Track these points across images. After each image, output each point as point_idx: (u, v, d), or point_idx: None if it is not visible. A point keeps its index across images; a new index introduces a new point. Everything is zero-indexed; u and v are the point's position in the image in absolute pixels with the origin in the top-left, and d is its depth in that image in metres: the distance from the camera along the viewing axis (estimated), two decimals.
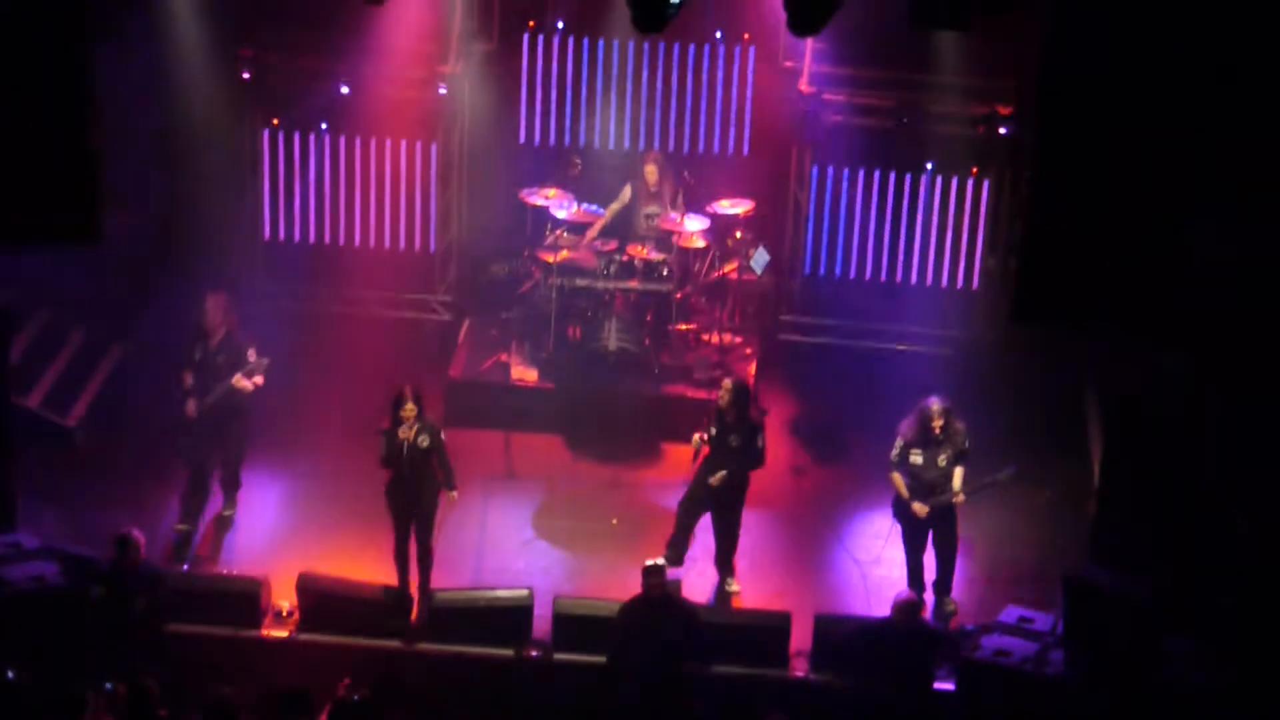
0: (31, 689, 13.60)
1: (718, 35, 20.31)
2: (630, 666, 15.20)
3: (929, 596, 16.55)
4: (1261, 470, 15.88)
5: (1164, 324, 14.98)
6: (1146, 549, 16.63)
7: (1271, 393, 15.48)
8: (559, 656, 15.95)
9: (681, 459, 17.16)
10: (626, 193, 19.84)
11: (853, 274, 20.33)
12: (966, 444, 16.50)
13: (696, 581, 16.90)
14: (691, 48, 20.44)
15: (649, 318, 19.36)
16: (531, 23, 20.48)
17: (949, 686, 15.59)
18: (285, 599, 16.20)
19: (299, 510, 17.80)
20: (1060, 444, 18.85)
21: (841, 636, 15.76)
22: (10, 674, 13.65)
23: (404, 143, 20.18)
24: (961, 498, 16.45)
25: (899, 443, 16.49)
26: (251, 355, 16.92)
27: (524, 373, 19.33)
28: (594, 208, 19.70)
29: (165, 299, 18.84)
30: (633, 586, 15.22)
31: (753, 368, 19.73)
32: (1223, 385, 16.24)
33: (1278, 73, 14.08)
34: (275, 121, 20.11)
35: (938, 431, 16.36)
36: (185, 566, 16.79)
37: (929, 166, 19.82)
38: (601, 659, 15.42)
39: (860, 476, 18.27)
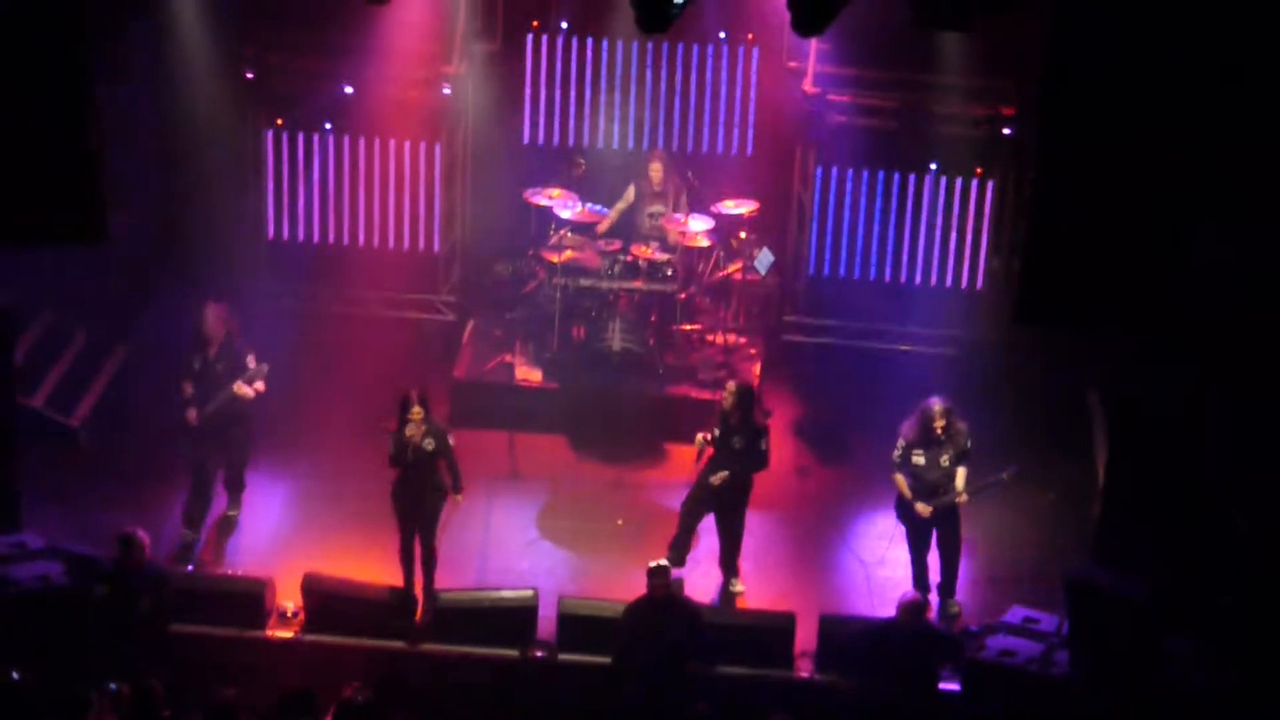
0: (35, 689, 13.60)
1: (721, 36, 20.30)
2: (635, 667, 15.20)
3: (933, 598, 16.56)
4: (1262, 470, 15.89)
5: (1166, 324, 14.97)
6: (1148, 549, 16.62)
7: (1272, 393, 15.51)
8: (564, 657, 15.94)
9: (685, 460, 17.16)
10: (630, 193, 19.86)
11: (857, 274, 20.32)
12: (969, 444, 16.50)
13: (701, 582, 16.88)
14: (695, 48, 20.44)
15: (653, 318, 19.37)
16: (535, 23, 20.47)
17: (954, 687, 15.59)
18: (290, 600, 16.20)
19: (303, 511, 17.79)
20: (1063, 444, 18.83)
21: (846, 637, 15.76)
22: (15, 674, 13.65)
23: (407, 143, 20.18)
24: (964, 498, 16.45)
25: (901, 443, 16.49)
26: (251, 361, 16.90)
27: (528, 373, 19.33)
28: (598, 208, 19.72)
29: (168, 299, 18.84)
30: (637, 587, 15.21)
31: (757, 368, 19.73)
32: (1224, 385, 16.26)
33: (1278, 73, 14.12)
34: (279, 121, 20.10)
35: (940, 432, 16.35)
36: (189, 568, 16.79)
37: (933, 167, 19.81)
38: (606, 660, 15.42)
39: (864, 477, 18.25)
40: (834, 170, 20.05)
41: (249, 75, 19.68)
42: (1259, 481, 15.90)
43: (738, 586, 16.95)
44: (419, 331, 20.31)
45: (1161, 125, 14.02)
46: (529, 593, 16.13)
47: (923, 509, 16.39)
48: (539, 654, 15.96)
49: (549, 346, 19.39)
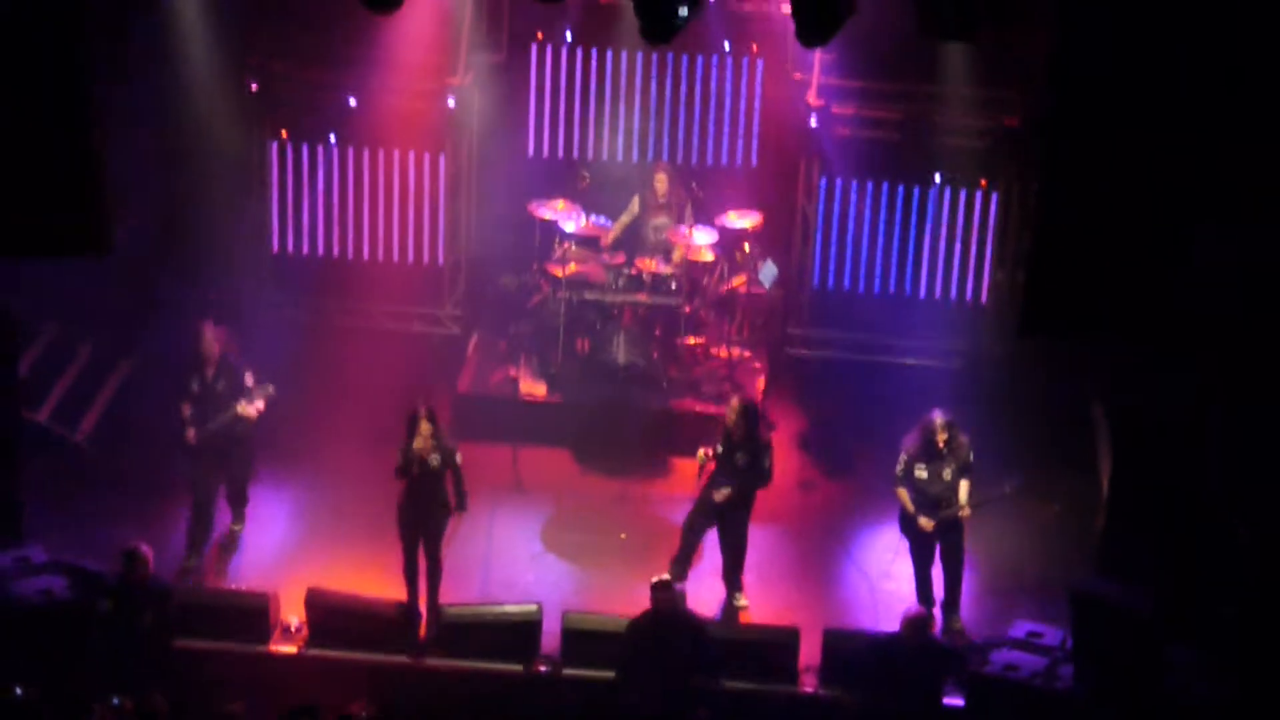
0: (38, 704, 13.60)
1: (726, 47, 20.31)
2: (639, 682, 15.17)
3: (937, 614, 16.52)
4: (1264, 480, 15.89)
5: (1169, 334, 14.98)
6: (1152, 561, 16.63)
7: (1274, 402, 15.51)
8: (568, 671, 15.90)
9: (689, 474, 17.12)
10: (635, 205, 19.86)
11: (861, 287, 20.32)
12: (971, 457, 16.47)
13: (705, 596, 16.85)
14: (700, 59, 20.45)
15: (657, 331, 19.37)
16: (540, 34, 20.48)
17: (958, 702, 15.54)
18: (294, 614, 16.17)
19: (307, 525, 17.78)
20: (1067, 457, 18.80)
21: (850, 652, 15.71)
22: (18, 689, 13.65)
23: (412, 155, 20.20)
24: (967, 512, 16.42)
25: (903, 457, 16.46)
26: (249, 380, 16.87)
27: (532, 387, 19.31)
28: (602, 220, 19.72)
29: (173, 311, 18.78)
30: (641, 601, 15.19)
31: (761, 382, 19.73)
32: (1226, 396, 16.26)
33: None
34: (283, 133, 20.12)
35: (942, 445, 16.33)
36: (192, 583, 16.77)
37: (937, 179, 19.82)
38: (610, 674, 15.39)
39: (868, 490, 18.21)
40: (838, 182, 20.07)
41: (253, 86, 19.69)
42: (1261, 492, 15.90)
43: (741, 601, 16.92)
44: (424, 345, 20.31)
45: (1166, 134, 14.02)
46: (533, 607, 16.10)
47: (925, 523, 16.37)
48: (543, 668, 15.93)
49: (553, 360, 19.39)
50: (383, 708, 13.67)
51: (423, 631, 16.17)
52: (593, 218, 19.63)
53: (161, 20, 18.79)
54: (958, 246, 20.07)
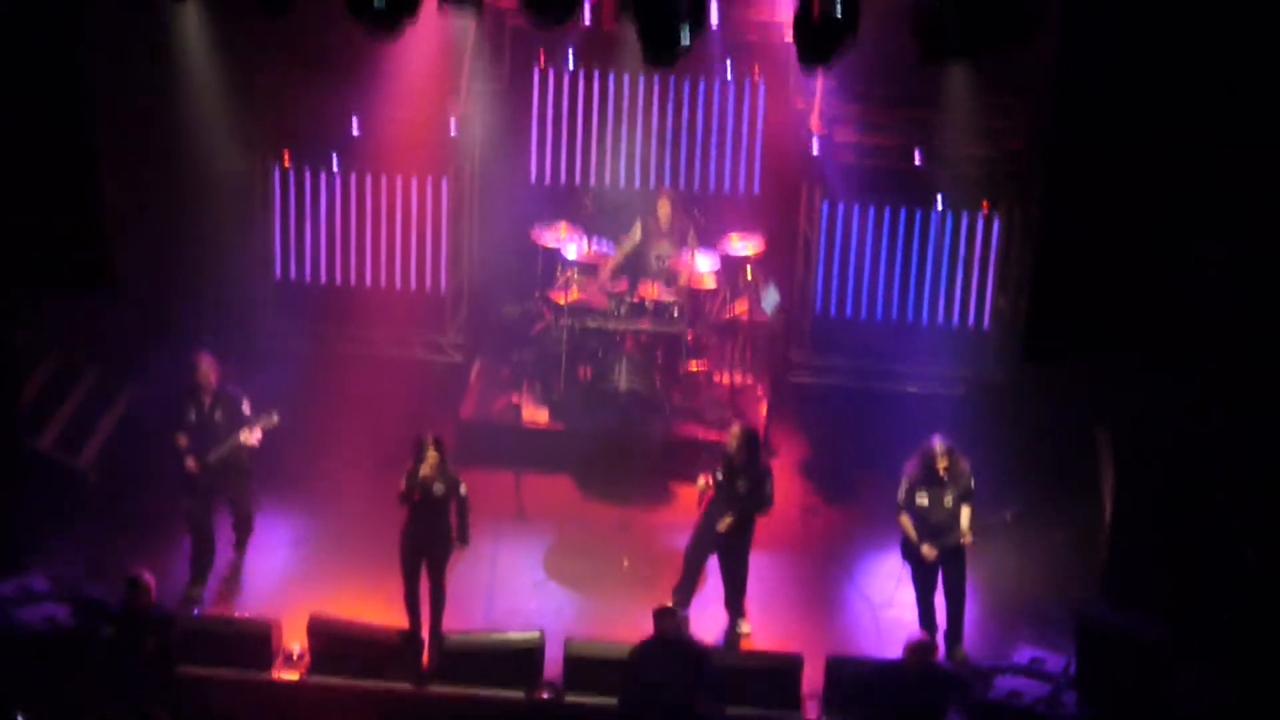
0: None
1: (728, 73, 20.32)
2: (642, 709, 15.15)
3: (940, 640, 16.47)
4: (1270, 502, 15.90)
5: (1174, 355, 15.00)
6: (1158, 585, 16.63)
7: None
8: (570, 698, 15.90)
9: (692, 500, 17.08)
10: (637, 231, 19.85)
11: (864, 313, 20.31)
12: (973, 484, 16.44)
13: (708, 623, 16.82)
14: (702, 85, 20.46)
15: (659, 358, 19.35)
16: (542, 60, 20.50)
17: None
18: (296, 641, 16.17)
19: (310, 551, 17.76)
20: (1072, 483, 18.79)
21: (853, 678, 15.70)
22: (20, 717, 13.65)
23: (414, 181, 20.19)
24: (969, 538, 16.39)
25: (905, 484, 16.44)
26: (246, 408, 16.86)
27: (535, 414, 19.31)
28: (605, 246, 19.73)
29: (176, 339, 18.77)
30: (644, 628, 15.16)
31: (763, 408, 19.72)
32: (1231, 416, 16.28)
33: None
34: (286, 159, 20.14)
35: (943, 472, 16.31)
36: (196, 612, 16.75)
37: (939, 204, 19.82)
38: (613, 701, 15.37)
39: (871, 517, 18.16)
40: (840, 207, 20.05)
41: (257, 113, 19.72)
42: (1267, 513, 15.91)
43: (744, 628, 16.90)
44: (427, 372, 20.31)
45: (1167, 155, 14.07)
46: (535, 634, 16.10)
47: (928, 552, 16.34)
48: (545, 695, 15.92)
49: (556, 387, 19.38)
50: None
51: (425, 659, 16.14)
52: (595, 244, 19.64)
53: (165, 48, 18.82)
54: (960, 271, 20.06)
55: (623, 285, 19.52)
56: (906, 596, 16.80)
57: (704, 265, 19.39)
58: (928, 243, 20.00)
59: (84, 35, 14.86)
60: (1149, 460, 17.31)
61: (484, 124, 20.33)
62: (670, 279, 19.57)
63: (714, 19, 18.97)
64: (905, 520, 16.43)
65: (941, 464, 16.28)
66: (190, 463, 16.75)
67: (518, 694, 15.91)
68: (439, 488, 15.88)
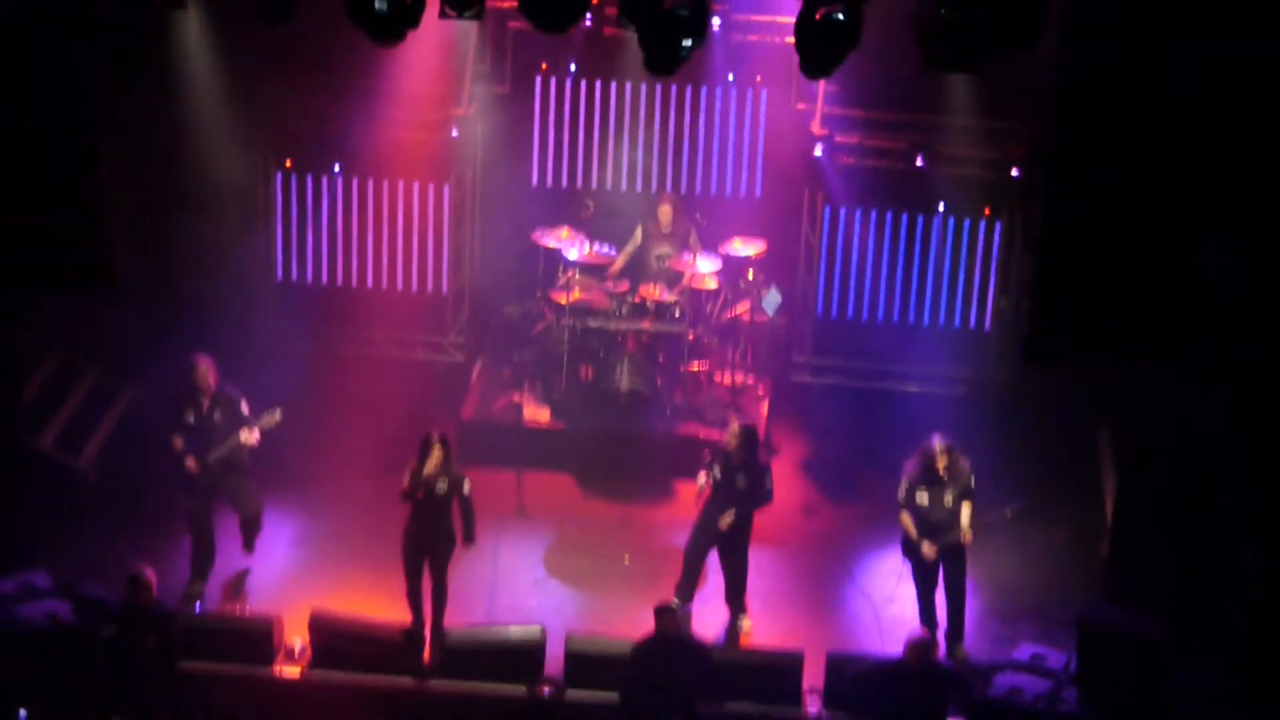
0: None
1: (730, 78, 20.36)
2: (643, 705, 15.18)
3: (940, 638, 16.46)
4: (1271, 502, 15.90)
5: (1175, 358, 15.02)
6: (1158, 585, 16.64)
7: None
8: (571, 694, 15.90)
9: (692, 497, 17.08)
10: (639, 234, 19.90)
11: (865, 315, 20.37)
12: (973, 482, 16.45)
13: (709, 619, 16.84)
14: (704, 90, 20.51)
15: (661, 358, 19.38)
16: (544, 65, 20.55)
17: None
18: (298, 636, 16.17)
19: (312, 549, 17.79)
20: (1072, 482, 18.84)
21: (854, 675, 15.69)
22: (23, 712, 13.65)
23: (416, 184, 20.26)
24: (969, 537, 16.40)
25: (905, 483, 16.46)
26: (245, 408, 16.85)
27: (536, 413, 19.33)
28: (607, 248, 19.77)
29: (177, 339, 18.79)
30: (645, 624, 15.19)
31: (764, 408, 19.75)
32: (1232, 416, 16.29)
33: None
34: (288, 163, 20.19)
35: (942, 471, 16.33)
36: (197, 608, 16.76)
37: (941, 208, 19.87)
38: (614, 697, 15.42)
39: (872, 516, 18.16)
40: (842, 211, 20.10)
41: (260, 118, 19.76)
42: (1268, 514, 15.91)
43: (745, 624, 16.91)
44: (429, 372, 20.35)
45: (1169, 162, 14.10)
46: (536, 629, 16.11)
47: (928, 550, 16.34)
48: (546, 691, 15.93)
49: (557, 387, 19.42)
50: None
51: (427, 654, 16.15)
52: (596, 245, 19.68)
53: (166, 52, 18.87)
54: (961, 274, 20.11)
55: (624, 286, 19.56)
56: (907, 594, 16.82)
57: (705, 266, 19.43)
58: (929, 245, 20.05)
59: (84, 35, 14.90)
60: (1149, 460, 17.31)
61: (486, 128, 20.38)
62: (672, 280, 19.61)
63: (715, 25, 19.09)
64: (906, 518, 16.44)
65: (941, 462, 16.30)
66: (190, 463, 16.74)
67: (519, 690, 15.91)
68: (442, 486, 15.88)
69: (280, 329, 20.27)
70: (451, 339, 20.57)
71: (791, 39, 14.07)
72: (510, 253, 20.49)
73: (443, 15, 14.86)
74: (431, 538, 15.98)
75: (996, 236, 19.94)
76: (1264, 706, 15.64)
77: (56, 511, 17.75)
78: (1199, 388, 16.79)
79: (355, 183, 20.23)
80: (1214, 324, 15.29)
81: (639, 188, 20.75)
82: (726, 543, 16.66)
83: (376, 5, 14.29)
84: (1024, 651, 16.02)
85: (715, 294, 19.87)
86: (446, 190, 20.24)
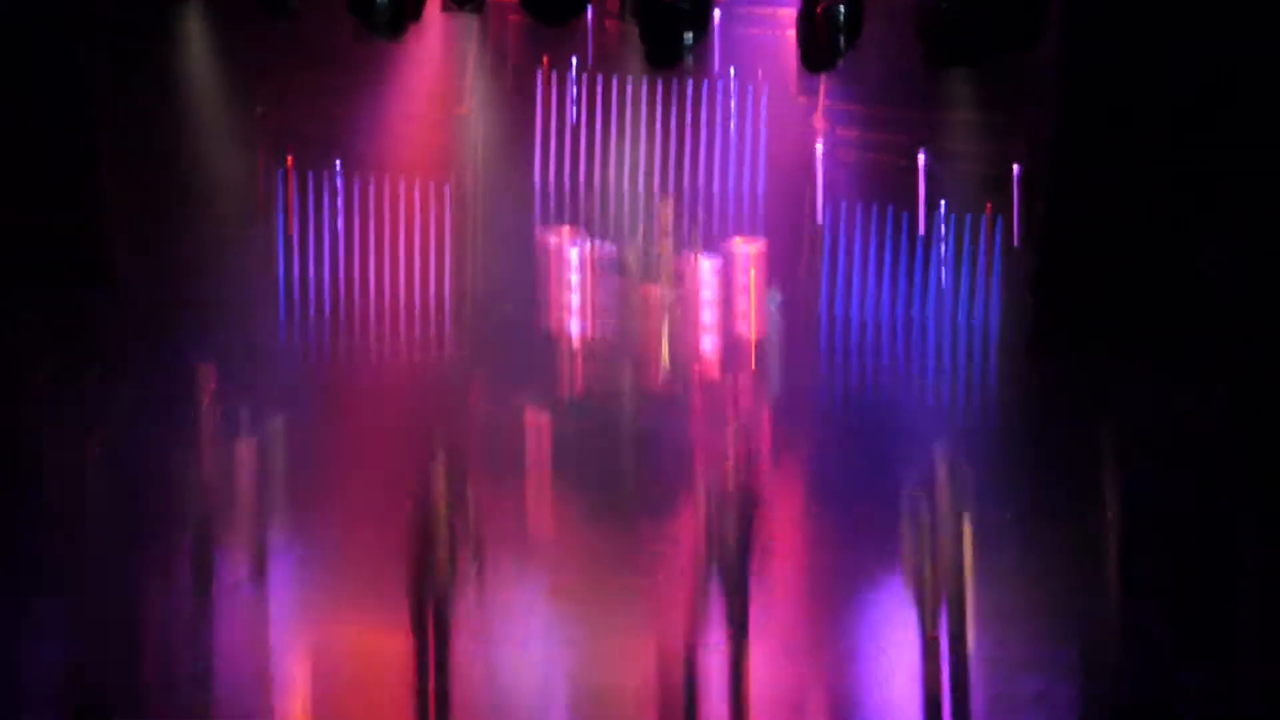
0: None
1: (731, 72, 20.31)
2: None
3: None
4: (1274, 502, 15.92)
5: (1179, 351, 15.04)
6: (1161, 585, 16.66)
7: None
8: None
9: (694, 517, 17.06)
10: (640, 234, 19.86)
11: (869, 313, 20.34)
12: (973, 487, 16.46)
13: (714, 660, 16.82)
14: (705, 84, 20.46)
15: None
16: (545, 61, 20.50)
17: None
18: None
19: (315, 569, 17.81)
20: (1074, 482, 18.79)
21: None
22: None
23: (417, 183, 20.22)
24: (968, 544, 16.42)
25: (906, 489, 16.47)
26: (244, 418, 16.80)
27: (539, 421, 19.31)
28: (608, 248, 19.74)
29: (176, 343, 18.79)
30: (647, 659, 15.13)
31: (767, 412, 19.72)
32: (1234, 415, 16.31)
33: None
34: (289, 161, 20.17)
35: (941, 478, 16.36)
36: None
37: (943, 205, 19.84)
38: None
39: (874, 521, 18.17)
40: (843, 206, 20.07)
41: (259, 118, 19.74)
42: (1270, 513, 15.94)
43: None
44: (431, 383, 20.33)
45: (1170, 157, 14.10)
46: None
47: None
48: None
49: (560, 394, 19.38)
50: None
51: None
52: (598, 245, 19.65)
53: (166, 48, 18.84)
54: (964, 271, 20.08)
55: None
56: None
57: (707, 265, 19.40)
58: (931, 242, 20.03)
59: (84, 35, 14.89)
60: (1152, 459, 17.32)
61: (487, 124, 20.33)
62: (673, 281, 19.56)
63: (716, 17, 19.05)
64: (907, 530, 16.44)
65: (940, 472, 16.31)
66: (188, 478, 16.71)
67: None
68: (448, 508, 15.85)
69: (280, 335, 20.19)
70: (452, 347, 20.53)
71: (793, 33, 14.06)
72: (512, 253, 20.43)
73: (445, 8, 14.86)
74: (436, 562, 15.91)
75: (999, 231, 19.90)
76: (1265, 707, 15.67)
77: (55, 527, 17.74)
78: (1199, 387, 16.80)
79: (356, 181, 20.18)
80: (1214, 324, 15.34)
81: (641, 184, 20.70)
82: (727, 562, 16.63)
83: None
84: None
85: (717, 293, 19.81)
86: (448, 189, 20.19)
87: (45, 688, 16.25)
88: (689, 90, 20.50)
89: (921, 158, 19.51)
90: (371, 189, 20.24)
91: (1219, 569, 16.44)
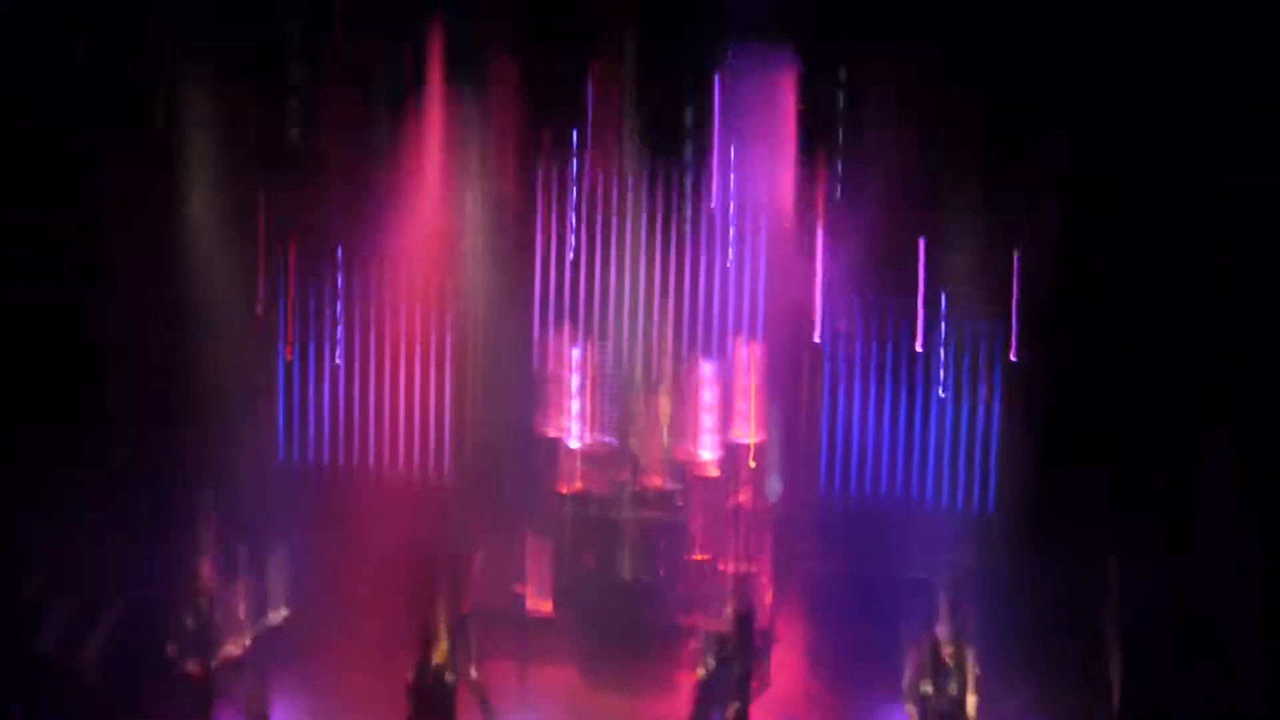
0: None
1: (730, 234, 20.47)
2: None
3: None
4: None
5: (1182, 538, 15.04)
6: None
7: None
8: None
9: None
10: (640, 421, 19.90)
11: (868, 498, 20.36)
12: (978, 669, 16.38)
13: None
14: (704, 247, 20.58)
15: (663, 547, 19.33)
16: (544, 212, 20.65)
17: None
18: None
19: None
20: (1077, 668, 18.73)
21: None
22: None
23: (418, 350, 20.36)
24: None
25: (908, 673, 16.40)
26: (244, 609, 16.72)
27: (539, 603, 19.26)
28: (607, 439, 19.79)
29: (177, 532, 18.75)
30: None
31: (769, 596, 19.67)
32: (1240, 599, 16.31)
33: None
34: (289, 351, 20.28)
35: (947, 658, 16.27)
36: None
37: (941, 391, 19.92)
38: None
39: (876, 707, 18.06)
40: (841, 390, 20.16)
41: (259, 305, 19.89)
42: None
43: None
44: (429, 555, 20.27)
45: (1161, 345, 14.19)
46: None
47: None
48: None
49: (560, 577, 19.33)
50: None
51: None
52: (598, 436, 19.70)
53: (171, 243, 19.02)
54: (962, 456, 20.14)
55: (625, 474, 19.54)
56: None
57: (707, 454, 19.43)
58: (929, 426, 20.09)
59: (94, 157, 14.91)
60: (1157, 645, 17.29)
61: (485, 280, 20.51)
62: (673, 468, 19.59)
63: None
64: (911, 710, 16.34)
65: (945, 650, 16.24)
66: (193, 667, 16.60)
67: None
68: (450, 676, 15.82)
69: (280, 511, 20.12)
70: (453, 527, 20.49)
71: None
72: (512, 439, 20.45)
73: (446, 83, 14.93)
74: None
75: (996, 419, 19.97)
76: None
77: (57, 713, 17.59)
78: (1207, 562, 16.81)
79: (357, 362, 20.34)
80: (1218, 501, 15.45)
81: (640, 331, 20.70)
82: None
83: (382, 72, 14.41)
84: None
85: (717, 481, 19.82)
86: (448, 369, 20.34)
87: None
88: (687, 250, 20.64)
89: (919, 345, 19.63)
90: (373, 311, 20.36)
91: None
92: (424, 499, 20.61)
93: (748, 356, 20.65)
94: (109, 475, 15.77)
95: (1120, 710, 17.50)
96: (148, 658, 18.08)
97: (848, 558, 20.33)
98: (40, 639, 18.26)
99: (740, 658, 16.48)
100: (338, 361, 20.23)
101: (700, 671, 16.52)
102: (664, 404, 19.78)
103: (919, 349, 19.60)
